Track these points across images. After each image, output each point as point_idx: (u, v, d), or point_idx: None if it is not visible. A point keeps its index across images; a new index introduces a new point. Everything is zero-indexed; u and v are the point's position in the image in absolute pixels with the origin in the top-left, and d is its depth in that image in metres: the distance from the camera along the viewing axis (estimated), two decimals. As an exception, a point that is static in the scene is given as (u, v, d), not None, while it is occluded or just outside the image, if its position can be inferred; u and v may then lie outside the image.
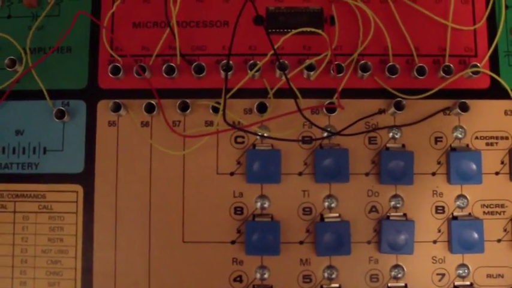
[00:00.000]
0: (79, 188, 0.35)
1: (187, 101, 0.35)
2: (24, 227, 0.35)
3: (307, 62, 0.35)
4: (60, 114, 0.35)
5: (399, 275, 0.34)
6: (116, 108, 0.35)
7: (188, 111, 0.35)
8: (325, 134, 0.35)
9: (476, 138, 0.36)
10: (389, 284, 0.35)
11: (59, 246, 0.35)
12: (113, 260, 0.35)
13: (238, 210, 0.35)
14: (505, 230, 0.35)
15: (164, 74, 0.35)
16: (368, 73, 0.35)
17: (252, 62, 0.35)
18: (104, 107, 0.35)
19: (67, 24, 0.36)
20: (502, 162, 0.35)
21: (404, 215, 0.35)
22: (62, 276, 0.35)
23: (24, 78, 0.36)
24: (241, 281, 0.34)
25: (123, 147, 0.35)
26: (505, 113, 0.36)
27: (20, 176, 0.35)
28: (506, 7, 0.36)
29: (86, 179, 0.35)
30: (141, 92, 0.35)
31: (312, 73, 0.35)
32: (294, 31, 0.35)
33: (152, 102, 0.35)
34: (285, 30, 0.35)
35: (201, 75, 0.35)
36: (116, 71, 0.35)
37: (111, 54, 0.35)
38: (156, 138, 0.35)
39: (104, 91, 0.36)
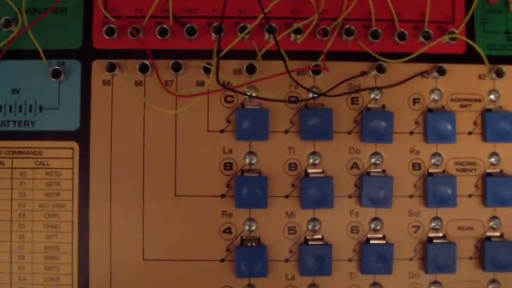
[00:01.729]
0: (75, 145, 0.36)
1: (180, 61, 0.36)
2: (21, 183, 0.36)
3: (295, 25, 0.35)
4: (56, 74, 0.36)
5: (378, 227, 0.36)
6: (111, 68, 0.35)
7: (180, 71, 0.36)
8: (311, 95, 0.36)
9: (452, 100, 0.37)
10: (368, 235, 0.36)
11: (56, 200, 0.36)
12: (108, 213, 0.36)
13: (228, 166, 0.36)
14: (475, 186, 0.37)
15: (157, 36, 0.35)
16: (352, 37, 0.36)
17: (242, 24, 0.35)
18: (98, 67, 0.36)
19: (61, -15, 0.36)
20: (475, 123, 0.37)
21: (384, 171, 0.37)
22: (60, 229, 0.36)
23: (20, 38, 0.36)
24: (230, 232, 0.36)
25: (118, 105, 0.36)
26: (479, 77, 0.37)
27: (17, 133, 0.36)
28: (484, -25, 0.37)
29: (81, 136, 0.36)
30: (134, 52, 0.36)
31: (298, 36, 0.36)
32: None
33: (146, 62, 0.35)
34: None
35: (193, 37, 0.35)
36: (110, 32, 0.35)
37: (106, 15, 0.36)
38: (149, 97, 0.36)
39: (98, 51, 0.36)
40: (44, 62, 0.36)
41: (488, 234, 0.37)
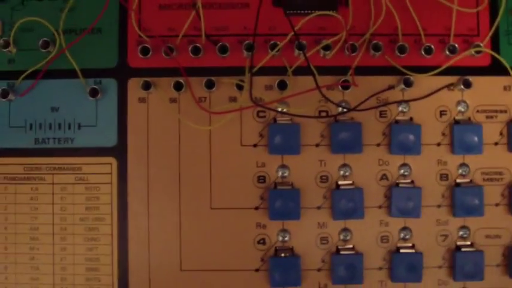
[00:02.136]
0: (113, 161, 0.37)
1: (213, 78, 0.37)
2: (62, 198, 0.37)
3: (324, 42, 0.37)
4: (94, 92, 0.37)
5: (407, 236, 0.37)
6: (146, 86, 0.37)
7: (214, 88, 0.37)
8: (340, 109, 0.37)
9: (478, 111, 0.38)
10: (398, 245, 0.37)
11: (96, 214, 0.37)
12: (146, 226, 0.37)
13: (261, 179, 0.37)
14: (502, 195, 0.38)
15: (190, 54, 0.36)
16: (379, 52, 0.37)
17: (272, 42, 0.36)
18: (134, 85, 0.37)
19: (95, 6, 0.37)
20: (501, 134, 0.38)
21: (412, 182, 0.37)
22: (100, 242, 0.37)
23: (58, 58, 0.37)
24: (264, 243, 0.37)
25: (153, 122, 0.37)
26: (504, 88, 0.38)
27: (57, 150, 0.37)
28: (507, -11, 0.38)
29: (119, 152, 0.37)
30: (169, 70, 0.37)
31: (328, 52, 0.37)
32: (312, 14, 0.36)
33: (180, 80, 0.37)
34: (302, 11, 0.37)
35: (225, 54, 0.37)
36: (145, 51, 0.37)
37: (140, 35, 0.37)
38: (184, 113, 0.37)
39: (133, 70, 0.38)
40: (81, 81, 0.37)
41: (515, 242, 0.38)
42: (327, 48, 0.37)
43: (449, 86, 0.38)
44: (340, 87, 0.37)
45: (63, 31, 0.38)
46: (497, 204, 0.38)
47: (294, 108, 0.37)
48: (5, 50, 0.37)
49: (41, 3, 0.38)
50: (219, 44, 0.37)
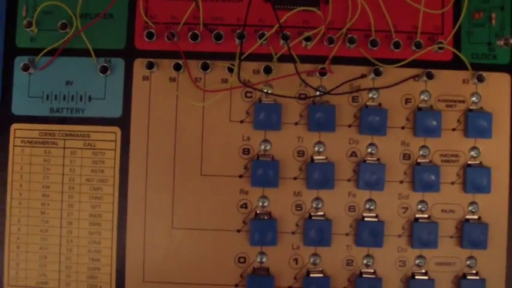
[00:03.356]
0: (117, 130, 0.41)
1: (208, 62, 0.41)
2: (71, 160, 0.42)
3: (305, 34, 0.41)
4: (104, 69, 0.41)
5: (372, 207, 0.41)
6: (150, 66, 0.41)
7: (208, 70, 0.41)
8: (317, 93, 0.41)
9: (439, 100, 0.42)
10: (363, 214, 0.41)
11: (100, 176, 0.41)
12: (144, 188, 0.41)
13: (246, 151, 0.41)
14: (457, 175, 0.41)
15: (189, 39, 0.41)
16: (354, 45, 0.40)
17: (261, 32, 0.41)
18: (139, 65, 0.41)
19: (109, -5, 0.42)
20: (458, 121, 0.41)
21: (378, 159, 0.41)
22: (103, 200, 0.41)
23: (74, 38, 0.41)
24: (246, 207, 0.41)
25: (155, 97, 0.41)
26: (463, 81, 0.42)
27: (69, 119, 0.41)
28: (470, -7, 0.42)
29: (123, 122, 0.41)
30: (170, 53, 0.41)
31: (308, 43, 0.41)
32: (296, 9, 0.40)
33: (179, 62, 0.41)
34: (289, 6, 0.41)
35: (219, 41, 0.41)
36: (150, 35, 0.41)
37: (146, 21, 0.42)
38: (181, 91, 0.41)
39: (139, 51, 0.41)
40: (93, 59, 0.42)
41: (468, 217, 0.41)
42: (308, 39, 0.41)
43: (414, 77, 0.41)
44: (318, 74, 0.42)
45: (80, 15, 0.42)
46: (452, 183, 0.42)
47: (277, 90, 0.41)
48: (28, 30, 0.42)
49: (61, -11, 0.43)
50: (214, 32, 0.41)
